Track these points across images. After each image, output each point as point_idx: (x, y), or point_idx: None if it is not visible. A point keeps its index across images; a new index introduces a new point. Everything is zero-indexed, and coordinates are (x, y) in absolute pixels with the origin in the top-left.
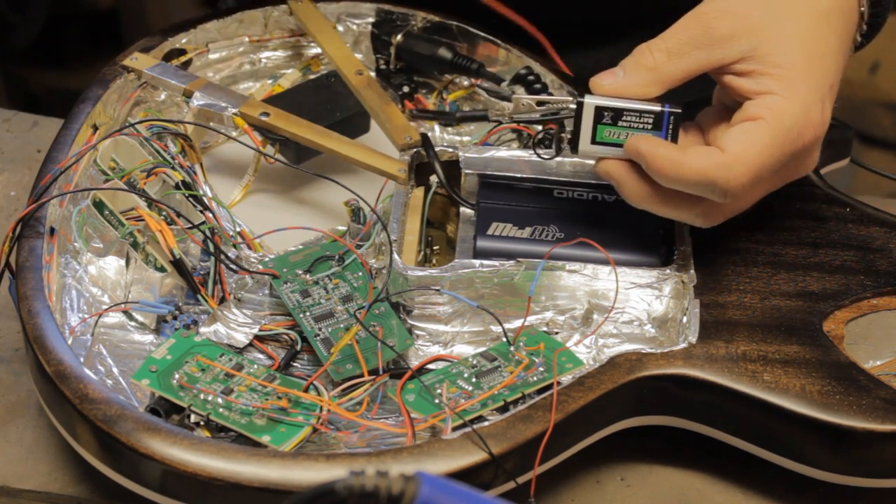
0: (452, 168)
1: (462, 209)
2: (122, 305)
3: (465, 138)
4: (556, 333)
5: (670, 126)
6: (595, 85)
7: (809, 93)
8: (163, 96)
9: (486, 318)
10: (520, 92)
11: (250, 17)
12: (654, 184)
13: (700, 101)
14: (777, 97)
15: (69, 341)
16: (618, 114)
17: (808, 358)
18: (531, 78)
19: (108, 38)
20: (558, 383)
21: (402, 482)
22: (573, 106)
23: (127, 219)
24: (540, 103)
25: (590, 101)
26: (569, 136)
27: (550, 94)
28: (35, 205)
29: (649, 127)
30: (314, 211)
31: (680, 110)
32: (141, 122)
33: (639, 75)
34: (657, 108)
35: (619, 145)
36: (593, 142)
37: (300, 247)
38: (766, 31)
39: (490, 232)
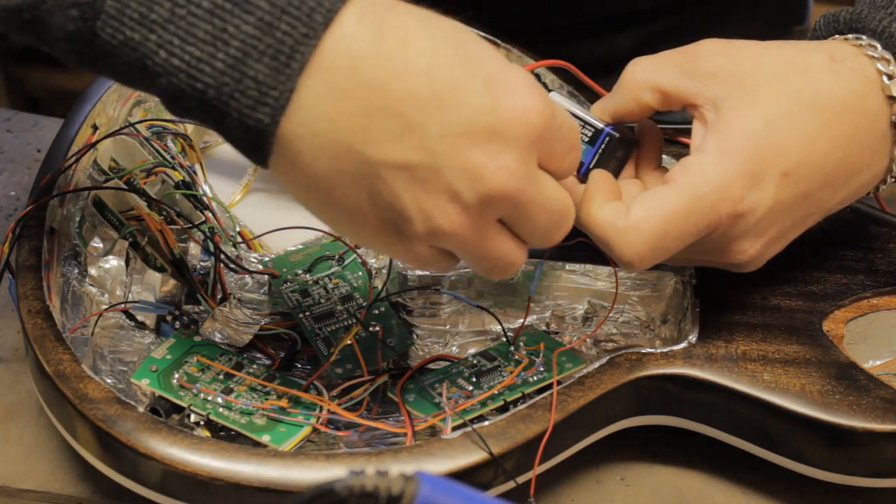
0: None
1: None
2: (122, 305)
3: None
4: (556, 333)
5: (602, 146)
6: (592, 107)
7: (742, 165)
8: None
9: (486, 318)
10: None
11: None
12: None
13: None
14: (702, 158)
15: (69, 341)
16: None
17: (808, 358)
18: None
19: None
20: (558, 383)
21: (402, 482)
22: None
23: (127, 219)
24: None
25: (552, 98)
26: None
27: (551, 92)
28: (35, 205)
29: (586, 140)
30: None
31: (618, 136)
32: (141, 121)
33: (617, 93)
34: (600, 124)
35: None
36: None
37: (300, 247)
38: (745, 86)
39: None
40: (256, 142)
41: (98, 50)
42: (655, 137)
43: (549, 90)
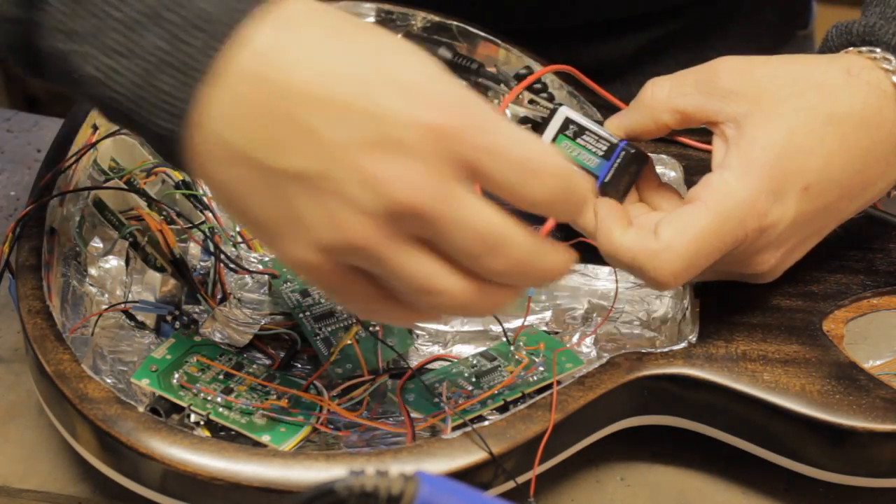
0: None
1: None
2: (122, 305)
3: None
4: (556, 333)
5: (618, 160)
6: (607, 121)
7: (765, 180)
8: None
9: (486, 317)
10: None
11: None
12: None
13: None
14: (726, 175)
15: (69, 341)
16: (580, 131)
17: (808, 357)
18: None
19: None
20: (558, 383)
21: (402, 482)
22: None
23: (127, 219)
24: (532, 102)
25: (563, 112)
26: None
27: (551, 94)
28: (35, 205)
29: (601, 153)
30: None
31: (634, 151)
32: None
33: (635, 110)
34: (615, 139)
35: (569, 160)
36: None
37: None
38: (765, 103)
39: None
40: (170, 150)
41: (35, 59)
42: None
43: (552, 94)
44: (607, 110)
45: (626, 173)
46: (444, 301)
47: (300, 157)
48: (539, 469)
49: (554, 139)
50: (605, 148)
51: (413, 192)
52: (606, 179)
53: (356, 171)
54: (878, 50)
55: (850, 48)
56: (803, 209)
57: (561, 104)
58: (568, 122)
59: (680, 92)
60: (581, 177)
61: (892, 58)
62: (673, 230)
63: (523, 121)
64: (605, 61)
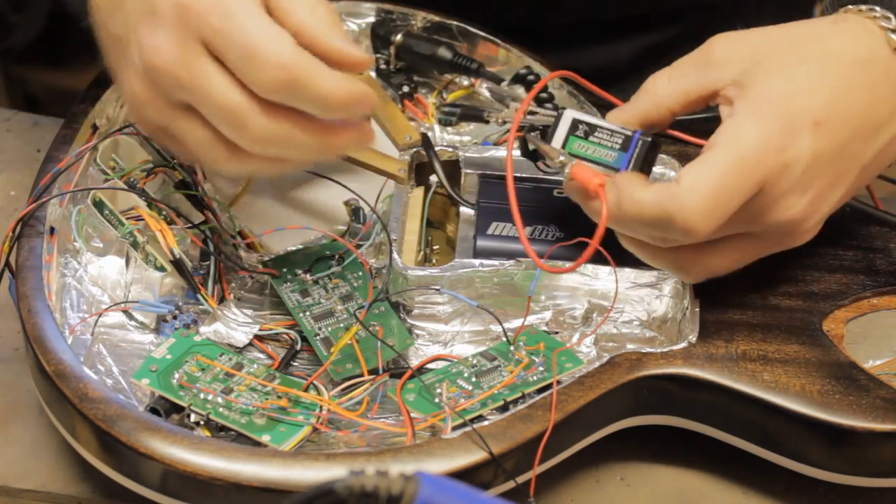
0: (452, 168)
1: (462, 209)
2: (122, 305)
3: (465, 138)
4: (556, 333)
5: (636, 151)
6: (609, 115)
7: (775, 118)
8: None
9: (486, 317)
10: (520, 91)
11: None
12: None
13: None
14: (737, 119)
15: (69, 341)
16: (591, 129)
17: (808, 357)
18: (531, 77)
19: None
20: (558, 383)
21: (402, 482)
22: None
23: (127, 219)
24: (531, 113)
25: (569, 114)
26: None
27: (551, 94)
28: (35, 205)
29: (617, 147)
30: (314, 211)
31: (650, 139)
32: None
33: (639, 100)
34: (628, 131)
35: (586, 159)
36: (562, 149)
37: (300, 247)
38: (761, 58)
39: (490, 232)
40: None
41: None
42: None
43: (549, 90)
44: (607, 110)
45: (646, 162)
46: (202, 153)
47: (116, 24)
48: (539, 469)
49: (565, 143)
50: (620, 140)
51: (159, 57)
52: (629, 169)
53: (135, 35)
54: (877, 8)
55: (850, 7)
56: (820, 146)
57: (565, 108)
58: (576, 122)
59: (679, 74)
60: (321, 72)
61: (891, 16)
62: (694, 173)
63: (530, 129)
64: (603, 65)
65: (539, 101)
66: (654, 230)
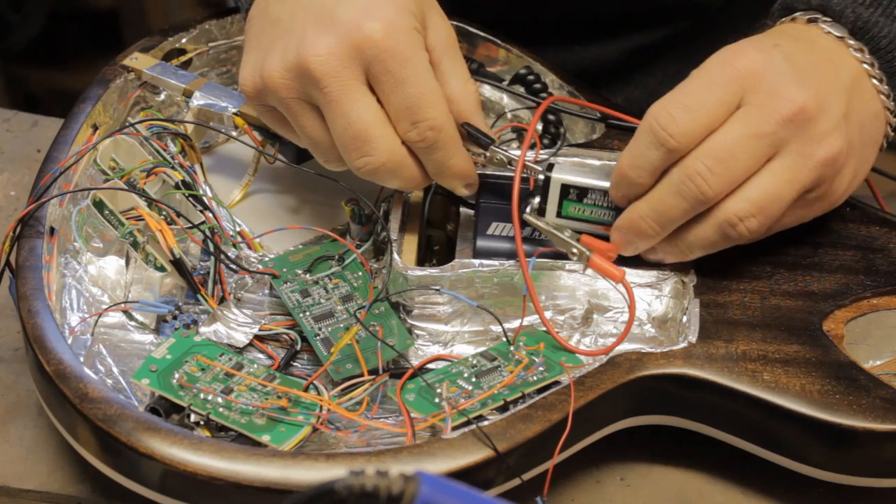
0: None
1: (462, 209)
2: (122, 305)
3: None
4: (556, 333)
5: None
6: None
7: (765, 49)
8: (163, 96)
9: (486, 317)
10: (520, 91)
11: None
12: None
13: None
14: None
15: (69, 341)
16: (583, 192)
17: (808, 357)
18: (531, 78)
19: (108, 38)
20: (558, 383)
21: (402, 482)
22: (541, 177)
23: (127, 219)
24: (511, 163)
25: (556, 179)
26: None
27: (551, 94)
28: (35, 205)
29: (612, 205)
30: (314, 211)
31: None
32: (141, 121)
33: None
34: None
35: (584, 220)
36: (559, 216)
37: (300, 247)
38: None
39: (490, 232)
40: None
41: None
42: None
43: (549, 91)
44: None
45: None
46: (321, 151)
47: (284, 8)
48: (539, 469)
49: (560, 207)
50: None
51: (316, 59)
52: None
53: (301, 28)
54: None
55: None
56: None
57: (551, 165)
58: (566, 188)
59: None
60: (459, 144)
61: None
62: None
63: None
64: (594, 64)
65: (535, 93)
66: (649, 159)
